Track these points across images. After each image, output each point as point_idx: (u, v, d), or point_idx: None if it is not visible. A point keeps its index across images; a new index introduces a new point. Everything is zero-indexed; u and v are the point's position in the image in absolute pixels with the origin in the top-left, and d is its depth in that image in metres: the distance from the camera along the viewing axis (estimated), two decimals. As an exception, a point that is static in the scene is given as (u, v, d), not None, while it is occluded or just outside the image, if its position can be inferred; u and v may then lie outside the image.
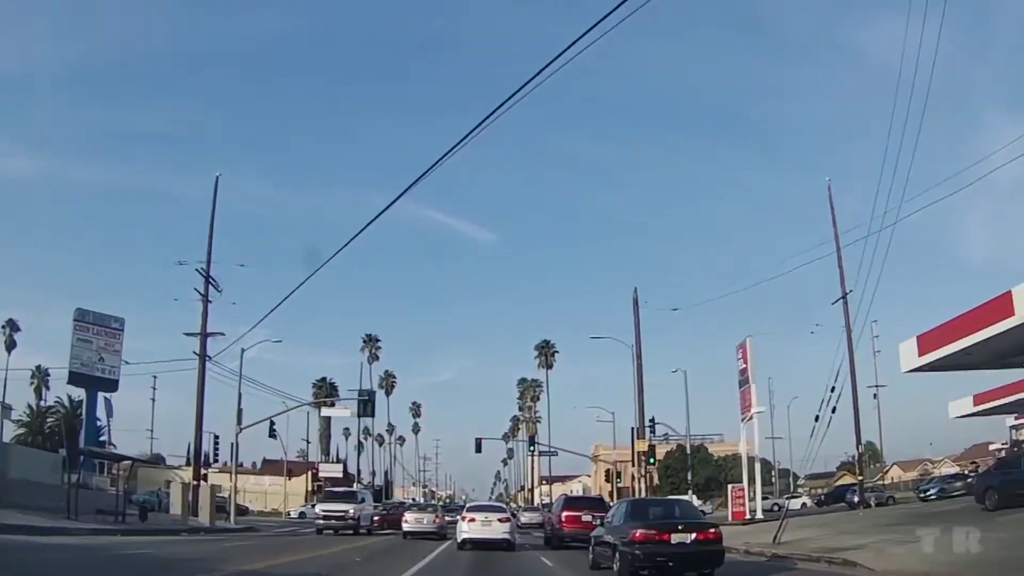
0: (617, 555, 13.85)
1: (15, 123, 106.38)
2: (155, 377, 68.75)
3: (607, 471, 68.89)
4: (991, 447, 61.52)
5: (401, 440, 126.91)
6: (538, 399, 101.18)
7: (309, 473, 73.62)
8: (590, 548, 17.10)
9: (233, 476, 40.97)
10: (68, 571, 13.39)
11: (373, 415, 47.13)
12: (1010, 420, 49.26)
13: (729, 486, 38.25)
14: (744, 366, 39.52)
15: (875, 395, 62.21)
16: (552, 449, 72.09)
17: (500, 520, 24.46)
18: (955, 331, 23.63)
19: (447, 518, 35.70)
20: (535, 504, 74.17)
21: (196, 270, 37.27)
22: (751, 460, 39.65)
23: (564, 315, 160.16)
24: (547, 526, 29.66)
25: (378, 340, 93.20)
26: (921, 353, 25.94)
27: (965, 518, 21.20)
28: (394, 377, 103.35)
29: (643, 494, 39.08)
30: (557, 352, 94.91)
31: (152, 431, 73.33)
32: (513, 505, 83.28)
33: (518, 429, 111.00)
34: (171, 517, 34.20)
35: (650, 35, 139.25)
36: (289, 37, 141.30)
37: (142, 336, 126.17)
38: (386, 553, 22.23)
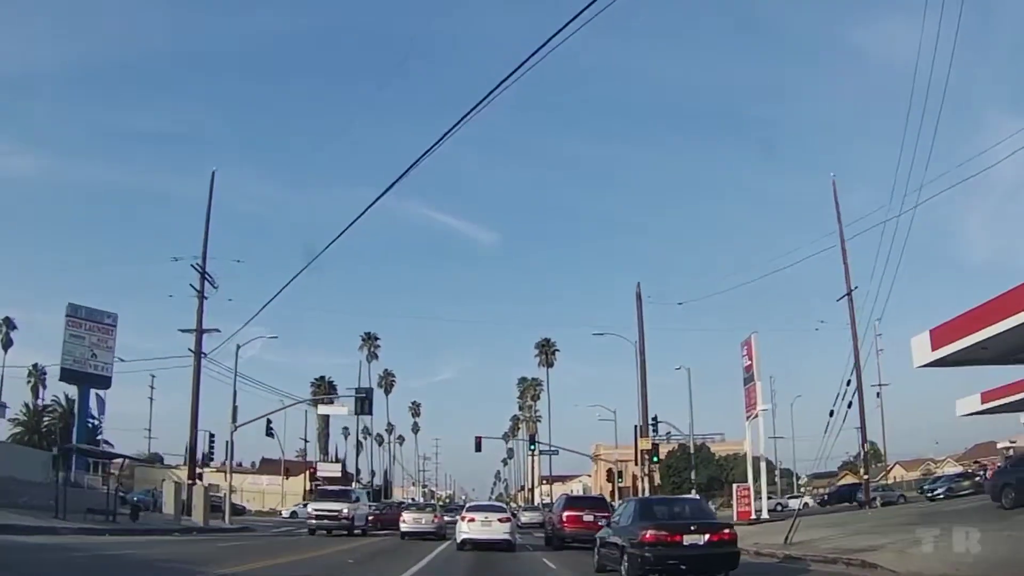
0: (625, 558, 13.05)
1: (15, 123, 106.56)
2: (153, 376, 68.24)
3: (608, 470, 68.18)
4: (999, 445, 60.72)
5: (401, 440, 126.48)
6: (538, 398, 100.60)
7: (307, 472, 72.88)
8: (595, 550, 16.24)
9: (228, 475, 40.17)
10: (33, 571, 12.63)
11: (370, 413, 46.35)
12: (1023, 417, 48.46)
13: (734, 485, 37.49)
14: (749, 363, 38.76)
15: (878, 394, 61.53)
16: (553, 448, 71.36)
17: (500, 520, 24.01)
18: (970, 324, 22.85)
19: (446, 518, 35.11)
20: (535, 504, 73.56)
21: (192, 265, 36.72)
22: (756, 459, 38.81)
23: (565, 315, 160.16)
24: (548, 526, 29.28)
25: (377, 338, 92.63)
26: (934, 348, 25.15)
27: (983, 517, 20.50)
28: (393, 376, 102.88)
29: (646, 493, 38.29)
30: (558, 351, 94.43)
31: (150, 430, 72.68)
32: (513, 505, 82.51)
33: (518, 428, 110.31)
34: (164, 517, 33.42)
35: (650, 35, 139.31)
36: (289, 37, 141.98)
37: (143, 336, 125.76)
38: (381, 555, 21.52)
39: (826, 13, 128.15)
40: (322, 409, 57.57)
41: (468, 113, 11.72)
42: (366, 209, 16.81)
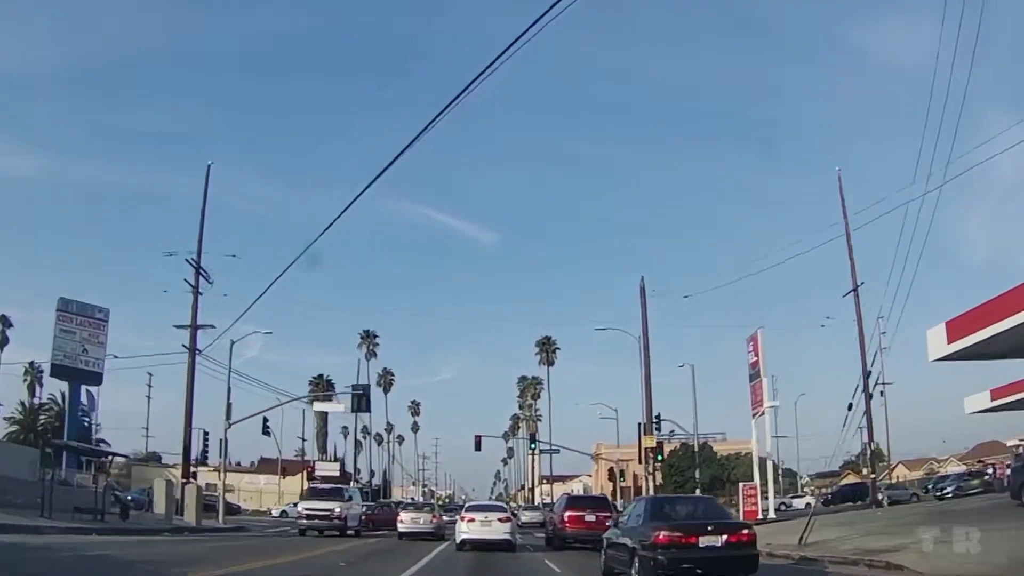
0: (636, 561, 12.11)
1: (15, 123, 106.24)
2: (150, 375, 67.28)
3: (610, 470, 67.43)
4: (1009, 443, 59.88)
5: (400, 439, 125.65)
6: (539, 397, 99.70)
7: (305, 472, 71.97)
8: (601, 551, 15.27)
9: (222, 473, 39.26)
10: None
11: (368, 410, 45.50)
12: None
13: (740, 484, 36.66)
14: (755, 359, 37.99)
15: (882, 392, 60.65)
16: (553, 447, 70.54)
17: (500, 520, 23.59)
18: (989, 315, 22.02)
19: (445, 518, 34.31)
20: (536, 503, 72.86)
21: (186, 260, 36.00)
22: (763, 457, 37.97)
23: (565, 314, 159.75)
24: (549, 526, 28.88)
25: (376, 336, 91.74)
26: (951, 340, 24.33)
27: (1002, 515, 19.69)
28: (392, 375, 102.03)
29: (651, 493, 37.45)
30: (558, 349, 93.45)
31: (147, 429, 71.66)
32: (513, 505, 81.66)
33: (518, 428, 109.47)
34: (156, 516, 32.52)
35: (650, 35, 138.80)
36: (289, 37, 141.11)
37: (143, 335, 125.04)
38: (377, 555, 20.73)
39: (826, 13, 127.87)
40: (318, 406, 56.62)
41: (450, 103, 11.61)
42: (355, 199, 16.60)
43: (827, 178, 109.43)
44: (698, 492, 44.58)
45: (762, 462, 38.21)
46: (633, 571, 12.27)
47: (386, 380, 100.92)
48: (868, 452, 44.25)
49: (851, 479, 71.75)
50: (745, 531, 12.05)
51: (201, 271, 36.27)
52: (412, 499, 73.46)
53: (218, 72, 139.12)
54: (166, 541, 22.70)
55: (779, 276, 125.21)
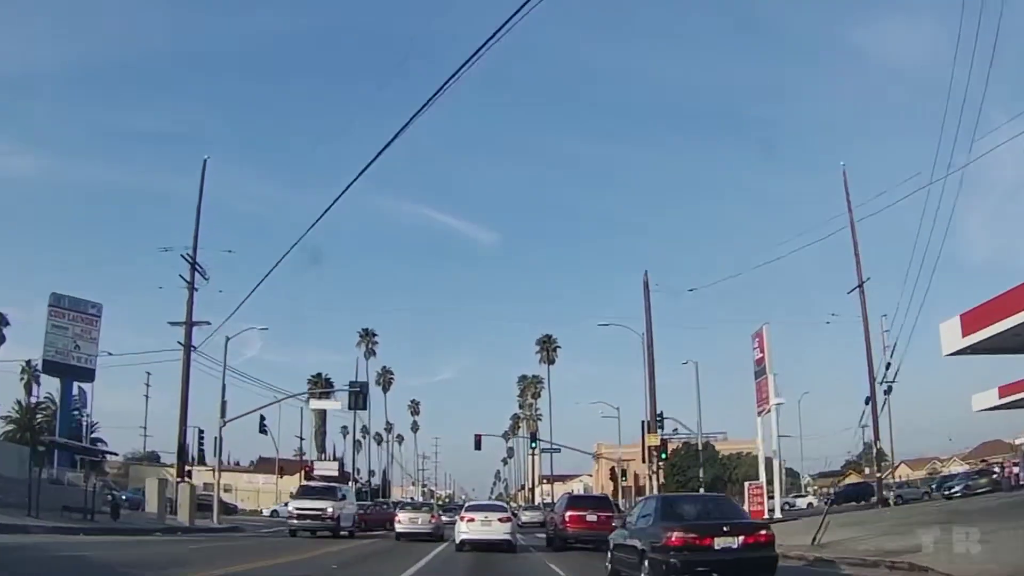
0: (646, 564, 11.30)
1: (15, 123, 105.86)
2: (149, 374, 66.47)
3: (612, 469, 66.67)
4: (1017, 441, 59.09)
5: (400, 439, 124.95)
6: (539, 396, 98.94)
7: (303, 471, 71.18)
8: (608, 554, 14.49)
9: (217, 472, 38.44)
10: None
11: (364, 407, 44.75)
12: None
13: (746, 483, 35.95)
14: (760, 355, 37.33)
15: (886, 391, 59.97)
16: (554, 446, 69.83)
17: (501, 520, 23.16)
18: (1007, 307, 21.31)
19: (444, 518, 33.57)
20: (536, 503, 72.19)
21: (182, 255, 35.20)
22: (773, 454, 37.25)
23: (565, 314, 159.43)
24: (550, 526, 28.47)
25: (375, 335, 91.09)
26: (965, 334, 23.64)
27: (1019, 514, 18.91)
28: (392, 373, 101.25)
29: (655, 492, 36.69)
30: (559, 347, 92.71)
31: (145, 428, 70.92)
32: (513, 505, 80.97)
33: (518, 427, 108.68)
34: (148, 516, 31.74)
35: (650, 35, 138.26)
36: (289, 37, 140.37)
37: (143, 333, 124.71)
38: (374, 556, 20.02)
39: (826, 13, 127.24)
40: (315, 404, 55.82)
41: (434, 94, 11.76)
42: (343, 191, 16.62)
43: (827, 178, 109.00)
44: (701, 491, 43.84)
45: (768, 461, 37.46)
46: (642, 574, 11.49)
47: (385, 379, 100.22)
48: (874, 451, 43.52)
49: (852, 479, 71.21)
50: (763, 532, 11.30)
51: (197, 267, 35.53)
52: (411, 499, 72.70)
53: (218, 72, 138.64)
54: (153, 542, 21.95)
55: (778, 276, 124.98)
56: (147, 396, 68.28)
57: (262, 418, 49.72)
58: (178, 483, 33.98)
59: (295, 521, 27.84)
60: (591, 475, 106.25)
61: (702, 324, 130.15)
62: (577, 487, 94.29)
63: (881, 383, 18.13)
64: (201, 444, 42.46)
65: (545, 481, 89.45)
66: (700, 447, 53.77)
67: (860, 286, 39.73)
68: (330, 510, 27.43)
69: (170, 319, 35.59)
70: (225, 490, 67.36)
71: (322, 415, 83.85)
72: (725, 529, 10.88)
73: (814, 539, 18.26)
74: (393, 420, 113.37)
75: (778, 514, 34.92)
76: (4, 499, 26.05)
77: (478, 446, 58.01)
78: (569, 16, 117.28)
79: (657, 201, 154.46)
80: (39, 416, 67.99)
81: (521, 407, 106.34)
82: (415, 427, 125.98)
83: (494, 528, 22.62)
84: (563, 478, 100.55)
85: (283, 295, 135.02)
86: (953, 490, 41.83)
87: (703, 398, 50.88)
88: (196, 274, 35.47)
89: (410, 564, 17.13)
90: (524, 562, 20.57)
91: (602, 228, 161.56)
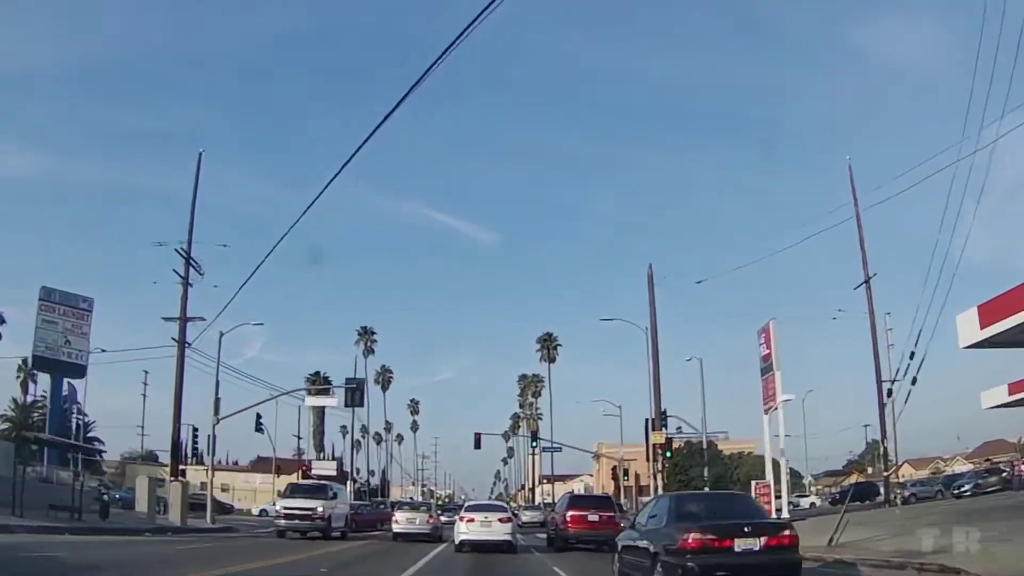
0: (659, 567, 10.39)
1: (15, 123, 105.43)
2: (146, 372, 65.75)
3: (613, 468, 65.80)
4: (1024, 440, 58.47)
5: (399, 439, 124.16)
6: (539, 395, 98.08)
7: (300, 470, 70.33)
8: (615, 556, 13.57)
9: (210, 470, 37.59)
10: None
11: (361, 404, 43.88)
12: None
13: (753, 482, 35.07)
14: (767, 351, 36.23)
15: (889, 391, 59.23)
16: (555, 445, 69.01)
17: (501, 520, 22.72)
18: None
19: (443, 518, 32.74)
20: (536, 503, 71.44)
21: (176, 250, 34.44)
22: (779, 452, 36.33)
23: (566, 314, 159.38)
24: (550, 526, 28.09)
25: (374, 333, 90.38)
26: (983, 325, 22.80)
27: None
28: (391, 372, 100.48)
29: (660, 492, 35.88)
30: (560, 345, 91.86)
31: (143, 427, 70.07)
32: (513, 505, 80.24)
33: (519, 426, 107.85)
34: (138, 515, 30.87)
35: (650, 35, 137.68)
36: (289, 37, 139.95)
37: (142, 332, 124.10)
38: (373, 557, 19.22)
39: (826, 13, 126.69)
40: (311, 400, 54.93)
41: (415, 83, 11.98)
42: (330, 181, 16.47)
43: (827, 178, 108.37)
44: (706, 490, 43.01)
45: (774, 460, 36.56)
46: (654, 579, 10.60)
47: (384, 377, 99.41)
48: (881, 450, 42.75)
49: (855, 478, 70.55)
50: (787, 532, 10.42)
51: (192, 262, 34.74)
52: (411, 499, 71.88)
53: (218, 72, 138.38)
54: (142, 542, 21.13)
55: (777, 276, 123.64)
56: (144, 395, 67.47)
57: (258, 416, 49.09)
58: (171, 482, 33.19)
59: (283, 521, 26.40)
60: (591, 475, 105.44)
61: (700, 322, 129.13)
62: (577, 487, 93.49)
63: (904, 375, 17.18)
64: (196, 442, 41.56)
65: (545, 481, 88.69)
66: (705, 445, 52.87)
67: (867, 281, 39.01)
68: (320, 509, 25.96)
69: (169, 315, 34.83)
70: (223, 490, 66.60)
71: (320, 414, 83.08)
72: (746, 530, 9.97)
73: (831, 540, 17.42)
74: (393, 420, 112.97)
75: (785, 514, 34.01)
76: (-7, 498, 25.28)
77: (478, 445, 57.32)
78: (569, 16, 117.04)
79: (657, 201, 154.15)
80: (35, 414, 67.31)
81: (521, 406, 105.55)
82: (415, 427, 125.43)
83: (494, 528, 22.23)
84: (563, 478, 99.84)
85: (284, 295, 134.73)
86: (963, 489, 41.29)
87: (705, 397, 50.12)
88: (191, 269, 34.75)
89: (408, 565, 16.51)
90: (525, 563, 20.03)
91: (602, 228, 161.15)
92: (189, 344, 34.84)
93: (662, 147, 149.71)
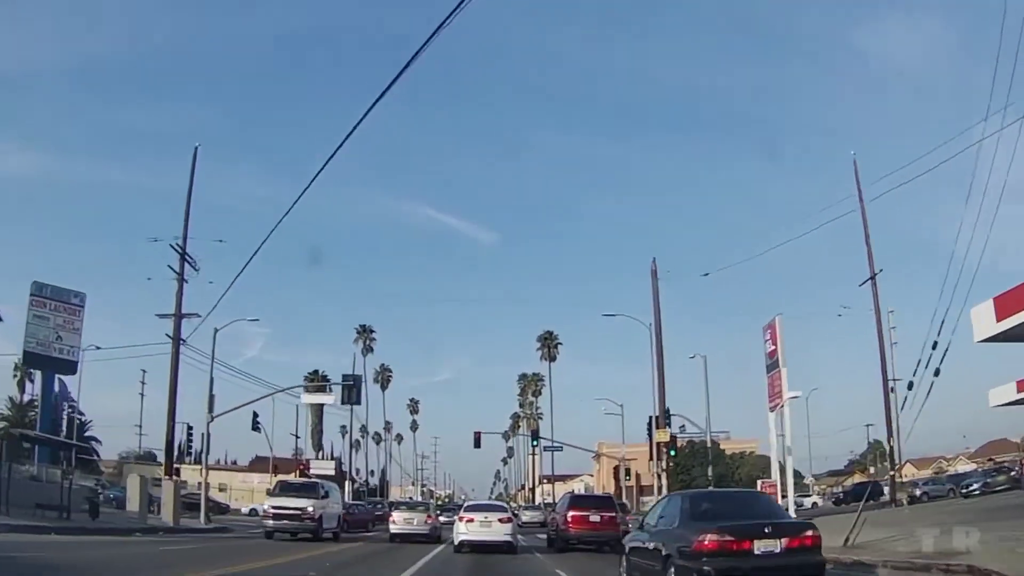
0: (672, 571, 9.67)
1: (15, 123, 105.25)
2: (144, 371, 64.94)
3: (615, 467, 65.11)
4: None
5: (399, 438, 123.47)
6: (540, 394, 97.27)
7: (298, 470, 69.61)
8: (622, 559, 12.79)
9: (204, 469, 36.83)
10: None
11: (359, 402, 43.14)
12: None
13: (759, 481, 34.50)
14: (773, 348, 35.59)
15: (892, 389, 58.61)
16: (556, 444, 68.32)
17: (501, 520, 22.31)
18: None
19: (443, 519, 32.02)
20: (536, 503, 70.79)
21: (171, 245, 33.74)
22: (786, 451, 35.69)
23: (566, 314, 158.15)
24: (551, 527, 27.67)
25: (372, 331, 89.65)
26: (1000, 318, 22.10)
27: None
28: (390, 371, 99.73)
29: (664, 492, 35.19)
30: (560, 344, 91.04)
31: (140, 426, 69.38)
32: (513, 505, 79.58)
33: (519, 426, 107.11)
34: (129, 515, 30.11)
35: (650, 35, 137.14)
36: (289, 37, 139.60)
37: (143, 332, 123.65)
38: (372, 557, 18.51)
39: (826, 13, 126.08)
40: (307, 398, 54.22)
41: (396, 76, 12.21)
42: (318, 172, 16.41)
43: (827, 177, 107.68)
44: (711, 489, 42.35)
45: (782, 457, 35.92)
46: (667, 583, 9.85)
47: (383, 376, 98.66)
48: (888, 449, 42.11)
49: (857, 478, 70.00)
50: (809, 533, 9.71)
51: (187, 258, 34.04)
52: (409, 498, 71.18)
53: (218, 72, 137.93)
54: (129, 542, 20.42)
55: (777, 275, 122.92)
56: (142, 394, 66.72)
57: (255, 415, 48.33)
58: (163, 481, 32.48)
59: (271, 522, 24.89)
60: (592, 475, 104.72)
61: (700, 322, 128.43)
62: (578, 487, 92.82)
63: (926, 366, 16.53)
64: (190, 440, 40.82)
65: (546, 481, 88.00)
66: (709, 444, 52.18)
67: (872, 277, 38.37)
68: (311, 509, 24.59)
69: (167, 313, 34.05)
70: (220, 489, 65.86)
71: (319, 413, 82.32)
72: (767, 531, 9.25)
73: (847, 540, 16.69)
74: (392, 419, 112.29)
75: (792, 513, 33.37)
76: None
77: (478, 444, 56.69)
78: (569, 17, 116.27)
79: (657, 201, 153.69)
80: (31, 413, 66.64)
81: (522, 406, 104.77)
82: (414, 426, 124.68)
83: (494, 529, 21.79)
84: (564, 478, 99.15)
85: (284, 295, 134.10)
86: (972, 488, 40.79)
87: (703, 399, 49.48)
88: (186, 265, 34.06)
89: (407, 566, 15.98)
90: (525, 564, 19.49)
91: (602, 228, 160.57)
92: (184, 341, 34.15)
93: (662, 147, 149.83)
